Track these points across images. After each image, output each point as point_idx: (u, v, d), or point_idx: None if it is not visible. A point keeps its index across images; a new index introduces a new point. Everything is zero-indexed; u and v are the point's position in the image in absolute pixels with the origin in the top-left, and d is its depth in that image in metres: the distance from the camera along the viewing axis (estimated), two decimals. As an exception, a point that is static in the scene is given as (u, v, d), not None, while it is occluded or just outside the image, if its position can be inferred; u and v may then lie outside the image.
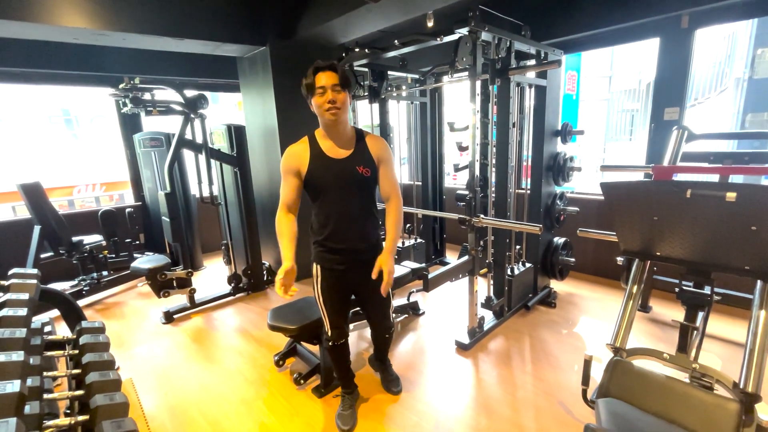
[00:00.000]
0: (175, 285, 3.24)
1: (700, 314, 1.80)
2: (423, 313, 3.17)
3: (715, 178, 2.21)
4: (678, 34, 2.89)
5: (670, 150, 2.43)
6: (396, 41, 2.60)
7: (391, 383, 2.22)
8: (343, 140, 1.65)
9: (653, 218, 1.60)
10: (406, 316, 3.12)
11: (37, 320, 1.92)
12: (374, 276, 1.67)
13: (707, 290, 1.75)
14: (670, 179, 2.25)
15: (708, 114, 7.66)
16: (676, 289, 1.81)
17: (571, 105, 7.16)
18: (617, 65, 9.78)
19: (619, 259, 2.78)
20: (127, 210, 4.21)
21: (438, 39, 2.38)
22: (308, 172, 1.63)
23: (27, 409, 1.10)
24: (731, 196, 1.34)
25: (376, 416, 2.03)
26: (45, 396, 1.30)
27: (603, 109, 9.88)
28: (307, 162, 1.63)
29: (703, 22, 2.80)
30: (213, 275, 4.34)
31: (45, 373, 1.44)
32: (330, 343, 1.87)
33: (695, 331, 1.74)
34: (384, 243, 1.75)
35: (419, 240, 4.16)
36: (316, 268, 1.80)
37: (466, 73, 2.40)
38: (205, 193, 3.46)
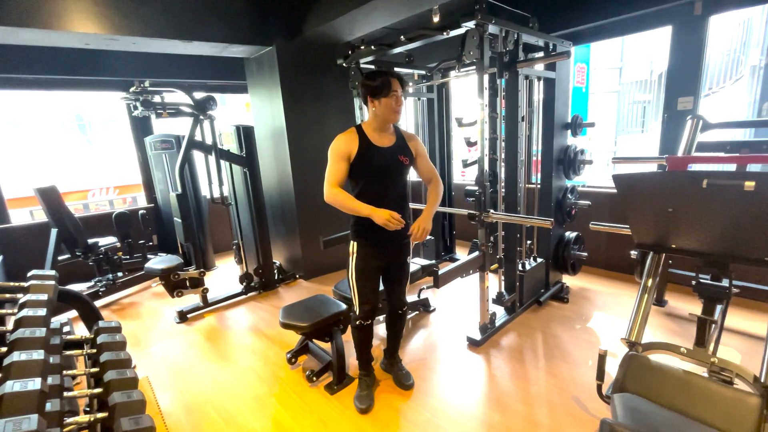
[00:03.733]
0: (188, 285, 3.28)
1: (718, 307, 1.76)
2: (434, 309, 3.16)
3: (731, 167, 2.16)
4: (691, 22, 2.82)
5: (685, 140, 2.37)
6: (402, 37, 2.58)
7: (403, 377, 2.24)
8: (387, 133, 1.93)
9: (668, 210, 1.56)
10: (417, 312, 3.12)
11: (56, 320, 1.96)
12: (411, 231, 1.87)
13: (725, 283, 1.71)
14: (686, 170, 2.20)
15: (723, 103, 7.46)
16: (693, 282, 1.77)
17: (581, 98, 7.05)
18: (628, 56, 9.59)
19: (633, 253, 2.73)
20: (140, 212, 4.28)
21: (444, 33, 2.35)
22: (357, 157, 1.83)
23: (48, 406, 1.12)
24: (750, 185, 1.31)
25: (390, 413, 2.04)
26: (65, 394, 1.33)
27: (613, 101, 9.70)
28: (356, 149, 1.84)
29: (717, 8, 2.72)
30: (225, 275, 4.39)
31: (65, 372, 1.47)
32: (357, 323, 2.02)
33: (713, 325, 1.71)
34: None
35: (428, 237, 4.15)
36: (352, 246, 1.97)
37: (474, 67, 2.37)
38: (216, 194, 3.50)
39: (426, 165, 2.03)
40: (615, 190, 1.73)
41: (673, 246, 1.67)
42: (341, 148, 1.83)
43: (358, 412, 2.05)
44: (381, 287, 2.12)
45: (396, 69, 3.38)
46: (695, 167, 2.32)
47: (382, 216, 1.74)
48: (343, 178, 1.84)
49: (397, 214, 1.75)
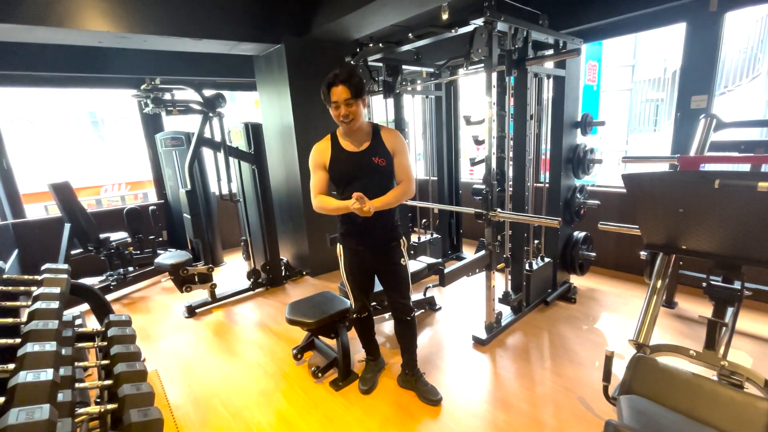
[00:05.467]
0: (196, 280, 3.33)
1: (729, 310, 1.73)
2: (439, 308, 3.16)
3: (746, 168, 2.11)
4: (706, 18, 2.76)
5: (698, 139, 2.33)
6: (410, 34, 2.58)
7: (428, 392, 2.09)
8: (360, 136, 1.86)
9: (678, 210, 1.54)
10: (423, 311, 3.12)
11: (69, 313, 2.00)
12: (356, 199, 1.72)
13: (737, 285, 1.68)
14: (697, 170, 2.16)
15: (738, 102, 7.30)
16: (704, 284, 1.74)
17: (592, 96, 6.96)
18: (641, 53, 9.43)
19: (643, 253, 2.69)
20: (151, 208, 4.34)
21: (453, 31, 2.35)
22: (330, 164, 1.86)
23: (60, 396, 1.15)
24: (764, 185, 1.28)
25: (394, 410, 2.04)
26: (77, 385, 1.36)
27: (625, 99, 9.55)
28: (329, 156, 1.86)
29: (733, 4, 2.66)
30: (233, 271, 4.43)
31: (76, 364, 1.50)
32: (354, 316, 2.14)
33: (724, 328, 1.68)
34: (400, 235, 1.99)
35: (435, 235, 4.14)
36: (339, 248, 2.03)
37: (482, 65, 2.36)
38: (224, 191, 3.53)
39: (400, 164, 1.88)
40: (625, 190, 1.71)
41: (684, 247, 1.64)
42: (315, 159, 1.88)
43: (361, 393, 2.17)
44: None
45: (404, 66, 3.39)
46: (708, 167, 2.27)
47: (351, 206, 1.69)
48: (323, 186, 1.87)
49: (357, 194, 1.66)
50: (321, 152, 1.88)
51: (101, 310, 2.26)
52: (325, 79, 1.74)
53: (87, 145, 9.20)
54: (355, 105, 1.74)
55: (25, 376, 1.02)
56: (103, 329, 1.84)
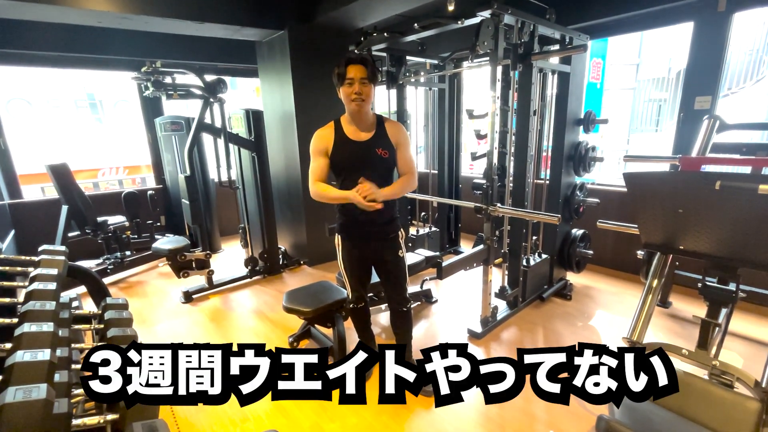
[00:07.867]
0: (194, 266, 3.33)
1: (723, 311, 1.74)
2: (436, 301, 3.17)
3: (747, 170, 2.12)
4: (714, 18, 2.73)
5: (700, 140, 2.33)
6: (415, 25, 2.55)
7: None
8: (365, 125, 1.83)
9: (678, 211, 1.54)
10: (419, 303, 3.13)
11: (66, 295, 2.00)
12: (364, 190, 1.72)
13: (732, 287, 1.69)
14: (699, 171, 2.16)
15: (742, 104, 7.28)
16: (699, 285, 1.76)
17: (595, 94, 6.91)
18: (646, 52, 9.35)
19: (640, 253, 2.71)
20: (149, 192, 4.32)
21: (459, 22, 2.32)
22: (332, 152, 1.82)
23: (57, 377, 1.15)
24: (765, 188, 1.28)
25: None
26: (73, 366, 1.37)
27: (628, 98, 9.50)
28: (332, 144, 1.83)
29: (742, 4, 2.64)
30: (230, 258, 4.44)
31: (73, 345, 1.50)
32: (350, 306, 2.13)
33: (717, 328, 1.69)
34: (399, 227, 1.98)
35: (434, 228, 4.15)
36: (338, 238, 2.01)
37: (487, 58, 2.34)
38: (224, 177, 3.51)
39: (403, 157, 1.88)
40: (625, 189, 1.72)
41: (682, 247, 1.65)
42: (317, 145, 1.84)
43: None
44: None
45: (408, 57, 3.36)
46: (709, 169, 2.28)
47: (356, 198, 1.69)
48: (323, 173, 1.84)
49: (364, 188, 1.67)
50: (323, 138, 1.85)
51: (98, 293, 2.26)
52: (342, 59, 1.72)
53: (85, 128, 9.10)
54: (368, 87, 1.73)
55: (23, 356, 1.02)
56: (100, 312, 1.83)
